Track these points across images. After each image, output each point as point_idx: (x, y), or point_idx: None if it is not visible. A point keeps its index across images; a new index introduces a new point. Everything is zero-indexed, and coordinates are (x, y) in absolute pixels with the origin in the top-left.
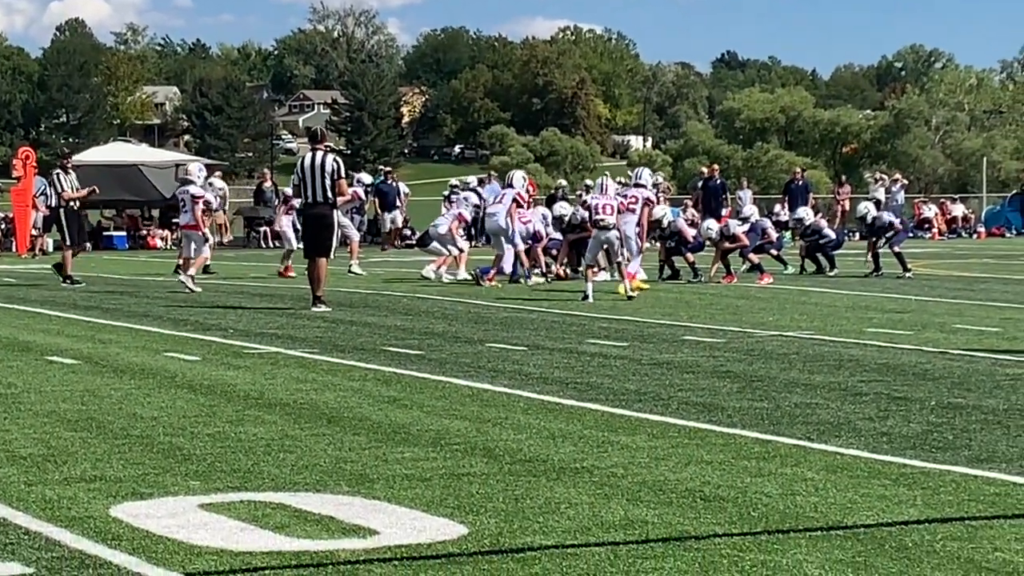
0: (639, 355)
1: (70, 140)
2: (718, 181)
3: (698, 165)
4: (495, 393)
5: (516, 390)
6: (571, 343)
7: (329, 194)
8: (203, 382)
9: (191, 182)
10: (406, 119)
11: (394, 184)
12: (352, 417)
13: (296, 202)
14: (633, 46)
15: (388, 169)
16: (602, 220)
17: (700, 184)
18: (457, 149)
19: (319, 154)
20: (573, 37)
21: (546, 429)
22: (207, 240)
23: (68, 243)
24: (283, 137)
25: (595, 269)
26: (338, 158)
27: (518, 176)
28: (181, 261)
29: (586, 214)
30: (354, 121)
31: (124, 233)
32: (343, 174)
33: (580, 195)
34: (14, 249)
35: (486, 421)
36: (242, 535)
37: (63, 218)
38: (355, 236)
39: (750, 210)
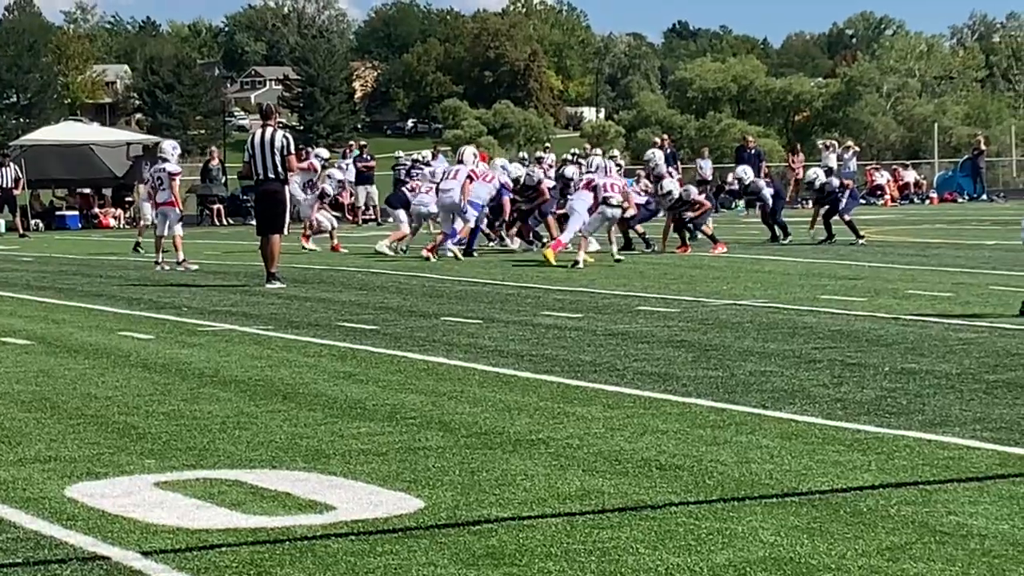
0: (594, 326)
1: (21, 120)
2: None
3: (651, 136)
4: (450, 367)
5: (471, 363)
6: (526, 315)
7: (280, 170)
8: (158, 360)
9: (166, 160)
10: (358, 94)
11: (370, 159)
12: (307, 393)
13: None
14: (584, 17)
15: (364, 143)
16: (611, 198)
17: None
18: (410, 123)
19: (269, 130)
20: (524, 9)
21: (502, 402)
22: (180, 218)
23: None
24: (235, 114)
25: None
26: (288, 134)
27: (468, 152)
28: (152, 240)
29: (540, 176)
30: (306, 97)
31: (76, 213)
32: (292, 150)
33: (528, 163)
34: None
35: (441, 395)
36: (198, 513)
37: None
38: (309, 212)
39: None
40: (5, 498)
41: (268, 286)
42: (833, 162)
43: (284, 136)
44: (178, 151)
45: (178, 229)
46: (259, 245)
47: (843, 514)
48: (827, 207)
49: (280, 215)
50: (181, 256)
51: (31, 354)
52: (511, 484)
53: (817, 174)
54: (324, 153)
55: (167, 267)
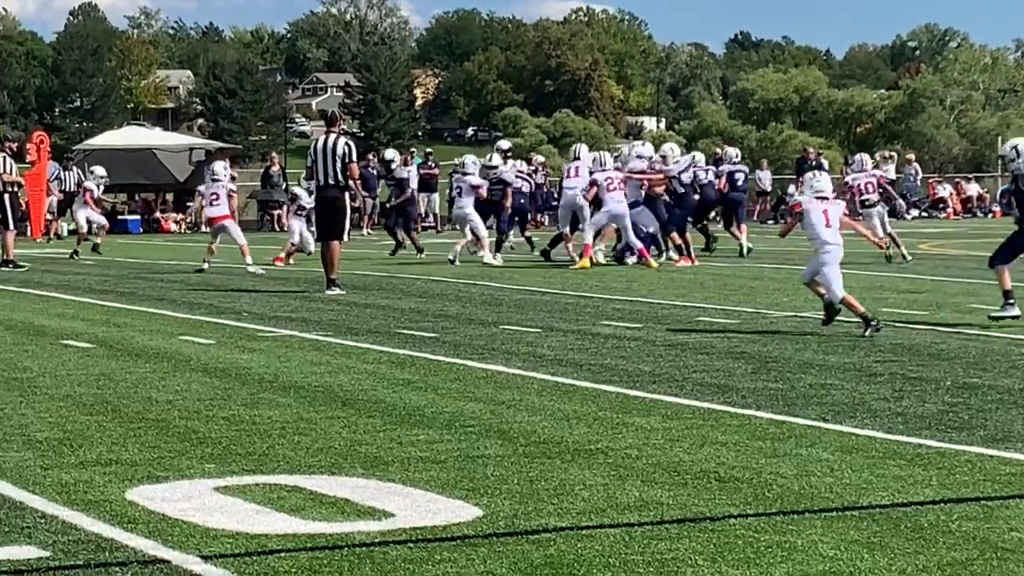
0: (653, 336)
1: (84, 124)
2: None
3: (712, 146)
4: (509, 375)
5: (530, 372)
6: (585, 325)
7: (340, 177)
8: (218, 365)
9: (218, 179)
10: (419, 101)
11: (434, 166)
12: (367, 400)
13: (304, 200)
14: (646, 27)
15: (430, 151)
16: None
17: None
18: (470, 131)
19: (332, 137)
20: (586, 18)
21: (560, 411)
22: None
23: (8, 227)
24: (296, 120)
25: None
26: (351, 141)
27: (585, 149)
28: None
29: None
30: (367, 104)
31: (138, 217)
32: (354, 157)
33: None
34: (28, 233)
35: (500, 403)
36: (258, 518)
37: (6, 202)
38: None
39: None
40: (67, 500)
41: (328, 293)
42: (892, 173)
43: (346, 143)
44: (228, 170)
45: (241, 238)
46: (319, 251)
47: (903, 529)
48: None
49: (340, 222)
50: (249, 259)
51: (93, 357)
52: (569, 494)
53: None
54: (390, 155)
55: (261, 271)
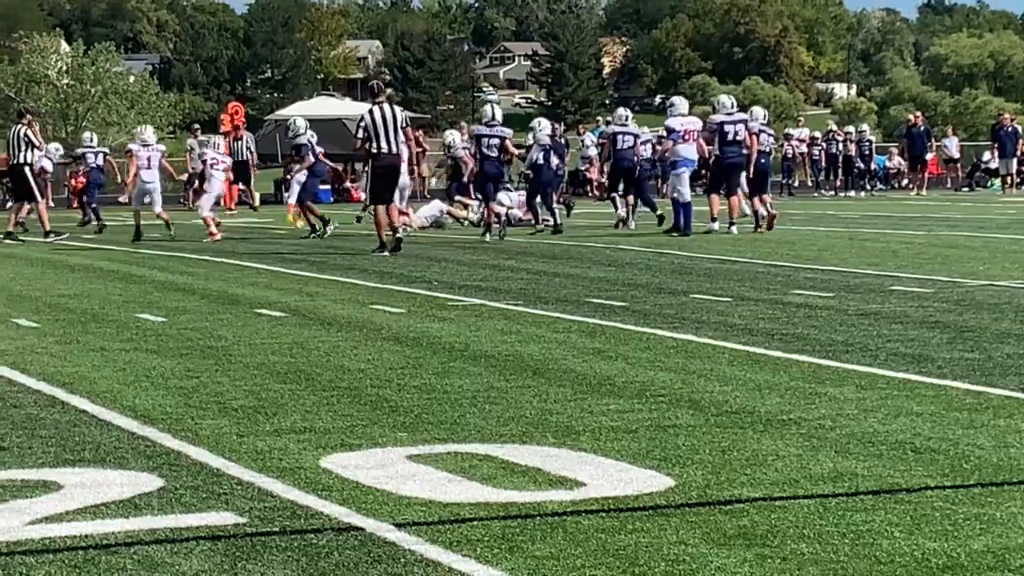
0: (845, 305)
1: (275, 95)
2: (922, 128)
3: (904, 113)
4: (700, 344)
5: (721, 341)
6: (776, 294)
7: (402, 146)
8: (409, 334)
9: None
10: (607, 70)
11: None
12: (557, 369)
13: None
14: None
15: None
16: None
17: (905, 131)
18: (658, 99)
19: (387, 107)
20: None
21: (752, 381)
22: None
23: (36, 199)
24: (484, 89)
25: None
26: (403, 109)
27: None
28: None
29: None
30: (555, 72)
31: (328, 187)
32: (409, 123)
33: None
34: (222, 204)
35: (691, 372)
36: (450, 486)
37: (28, 175)
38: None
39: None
40: (263, 468)
41: (379, 254)
42: None
43: (402, 111)
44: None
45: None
46: (372, 214)
47: None
48: None
49: (395, 187)
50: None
51: (285, 326)
52: (762, 464)
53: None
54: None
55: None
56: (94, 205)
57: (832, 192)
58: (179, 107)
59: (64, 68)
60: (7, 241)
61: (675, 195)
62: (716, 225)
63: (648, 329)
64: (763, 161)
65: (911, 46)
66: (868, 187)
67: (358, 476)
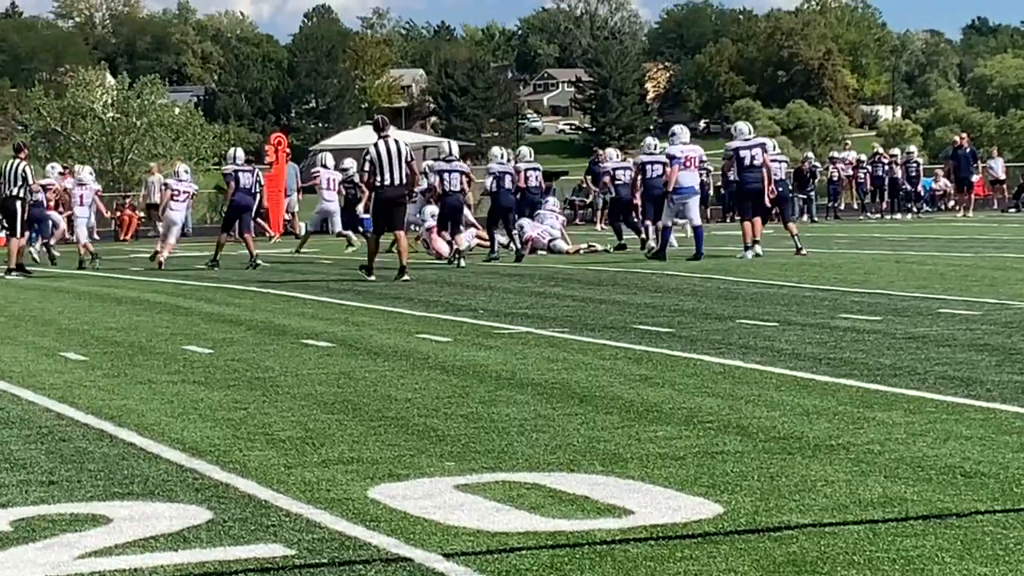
0: (893, 329)
1: (319, 125)
2: (968, 150)
3: (949, 134)
4: (747, 370)
5: (768, 367)
6: (823, 318)
7: (406, 179)
8: (455, 363)
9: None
10: (651, 95)
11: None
12: (604, 396)
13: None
14: (879, 14)
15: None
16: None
17: (951, 153)
18: (703, 124)
19: (392, 141)
20: (818, 7)
21: (800, 406)
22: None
23: (15, 235)
24: (528, 116)
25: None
26: (407, 144)
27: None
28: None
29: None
30: (599, 98)
31: (369, 216)
32: (413, 157)
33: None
34: (267, 234)
35: (739, 398)
36: (498, 515)
37: (16, 209)
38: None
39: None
40: (311, 499)
41: (404, 279)
42: None
43: (406, 145)
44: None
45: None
46: (392, 244)
47: None
48: None
49: (402, 217)
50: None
51: (332, 356)
52: (811, 490)
53: None
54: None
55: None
56: (46, 241)
57: (878, 215)
58: (224, 138)
59: (109, 101)
60: (9, 277)
61: (668, 222)
62: (751, 253)
63: (695, 355)
64: (779, 189)
65: (955, 67)
66: (914, 209)
67: (406, 506)
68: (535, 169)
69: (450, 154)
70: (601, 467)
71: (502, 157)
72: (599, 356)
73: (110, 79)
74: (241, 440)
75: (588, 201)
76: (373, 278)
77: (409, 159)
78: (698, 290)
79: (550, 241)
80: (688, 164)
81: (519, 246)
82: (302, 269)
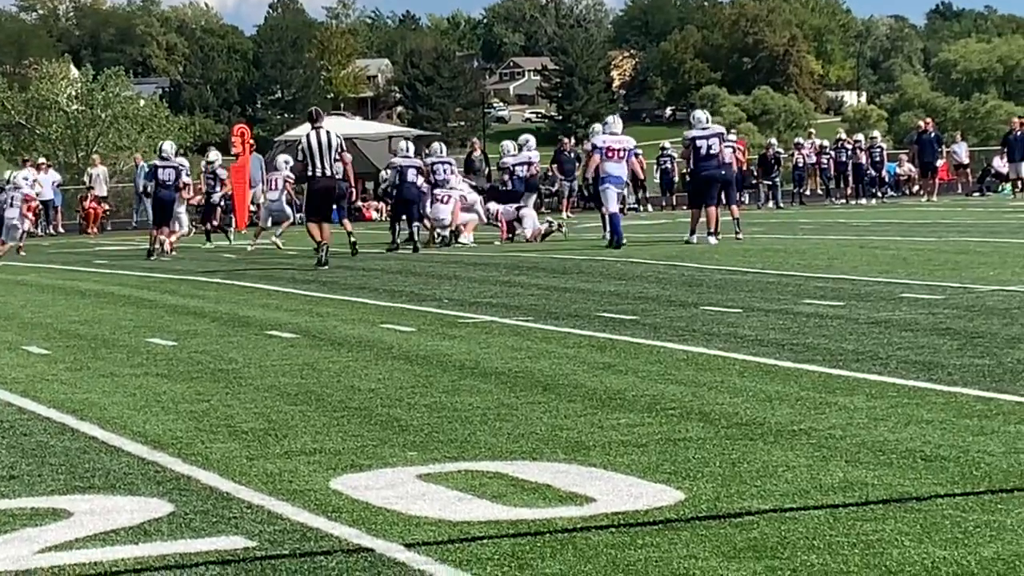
0: (856, 314)
1: (285, 116)
2: (932, 134)
3: (914, 119)
4: (710, 356)
5: (731, 353)
6: (786, 304)
7: (337, 168)
8: (419, 353)
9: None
10: (616, 83)
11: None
12: (567, 384)
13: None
14: (844, 0)
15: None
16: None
17: (915, 138)
18: (668, 111)
19: (323, 132)
20: None
21: (762, 392)
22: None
23: None
24: (494, 105)
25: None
26: (338, 133)
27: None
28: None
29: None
30: (564, 87)
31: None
32: (344, 148)
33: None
34: (234, 226)
35: (702, 385)
36: (460, 505)
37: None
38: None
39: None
40: (272, 490)
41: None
42: None
43: (337, 136)
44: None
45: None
46: (314, 229)
47: None
48: None
49: (336, 206)
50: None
51: (296, 347)
52: (772, 475)
53: None
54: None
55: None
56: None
57: (843, 200)
58: (190, 130)
59: (74, 94)
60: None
61: (613, 208)
62: (695, 238)
63: (658, 342)
64: (723, 172)
65: (920, 52)
66: (879, 194)
67: (368, 497)
68: (527, 164)
69: (407, 151)
70: (564, 455)
71: (407, 150)
72: (563, 344)
73: (74, 71)
74: (203, 432)
75: (555, 189)
76: (326, 266)
77: (341, 150)
78: (662, 277)
79: (518, 209)
80: (611, 155)
81: (417, 238)
82: (266, 262)
